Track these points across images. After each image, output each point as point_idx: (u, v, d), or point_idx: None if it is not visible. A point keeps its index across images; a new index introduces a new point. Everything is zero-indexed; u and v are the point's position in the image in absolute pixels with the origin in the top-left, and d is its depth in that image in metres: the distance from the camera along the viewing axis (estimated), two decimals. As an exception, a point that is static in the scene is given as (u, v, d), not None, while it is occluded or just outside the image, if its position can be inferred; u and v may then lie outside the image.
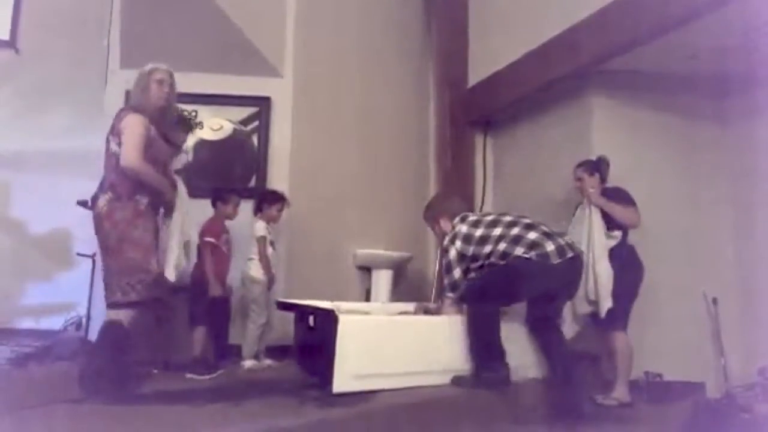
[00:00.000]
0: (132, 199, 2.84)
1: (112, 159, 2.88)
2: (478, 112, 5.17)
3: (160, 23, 4.12)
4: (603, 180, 3.52)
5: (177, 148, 3.32)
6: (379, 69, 5.19)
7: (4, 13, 5.01)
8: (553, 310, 3.22)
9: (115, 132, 2.89)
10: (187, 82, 4.32)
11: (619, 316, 3.28)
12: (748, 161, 3.96)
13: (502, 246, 3.12)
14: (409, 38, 5.64)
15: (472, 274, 3.27)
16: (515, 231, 3.15)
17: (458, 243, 3.24)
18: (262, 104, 4.38)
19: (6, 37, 4.97)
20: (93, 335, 3.85)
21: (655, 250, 3.89)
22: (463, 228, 3.28)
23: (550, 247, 3.05)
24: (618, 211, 3.33)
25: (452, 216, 3.41)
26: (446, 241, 3.32)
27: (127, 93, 4.26)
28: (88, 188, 4.33)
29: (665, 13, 3.26)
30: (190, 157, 4.17)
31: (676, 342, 3.80)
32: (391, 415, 2.71)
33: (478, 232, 3.22)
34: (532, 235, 3.11)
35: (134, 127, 2.84)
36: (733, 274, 3.97)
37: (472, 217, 3.36)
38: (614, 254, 3.30)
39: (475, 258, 3.21)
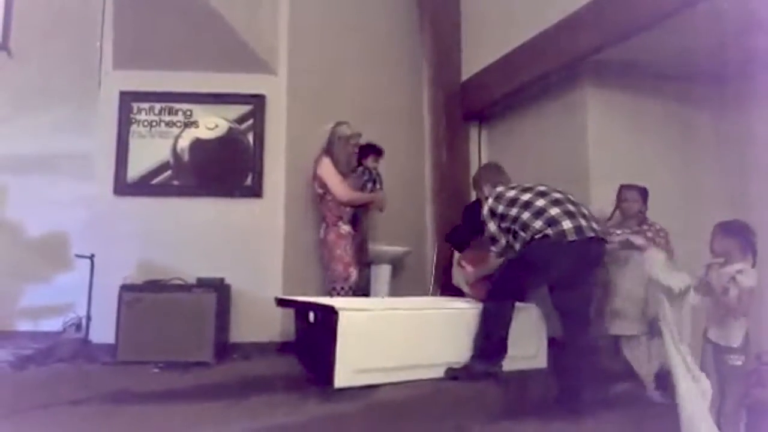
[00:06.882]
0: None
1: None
2: (473, 105, 5.17)
3: (152, 23, 4.10)
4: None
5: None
6: (373, 64, 5.18)
7: (-4, 16, 4.97)
8: (577, 301, 3.13)
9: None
10: (181, 82, 4.35)
11: None
12: (745, 149, 3.96)
13: (525, 215, 3.11)
14: (402, 33, 5.62)
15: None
16: (541, 203, 3.13)
17: (491, 200, 3.31)
18: (257, 102, 4.36)
19: (-2, 39, 4.94)
20: (93, 336, 3.86)
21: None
22: (500, 188, 3.35)
23: (567, 225, 3.01)
24: None
25: (493, 183, 3.49)
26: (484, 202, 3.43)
27: (122, 93, 4.31)
28: (83, 189, 4.39)
29: (661, 4, 3.25)
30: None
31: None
32: (394, 409, 2.73)
33: (510, 194, 3.25)
34: (553, 211, 3.07)
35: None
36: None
37: (512, 184, 3.42)
38: None
39: (502, 217, 3.22)
